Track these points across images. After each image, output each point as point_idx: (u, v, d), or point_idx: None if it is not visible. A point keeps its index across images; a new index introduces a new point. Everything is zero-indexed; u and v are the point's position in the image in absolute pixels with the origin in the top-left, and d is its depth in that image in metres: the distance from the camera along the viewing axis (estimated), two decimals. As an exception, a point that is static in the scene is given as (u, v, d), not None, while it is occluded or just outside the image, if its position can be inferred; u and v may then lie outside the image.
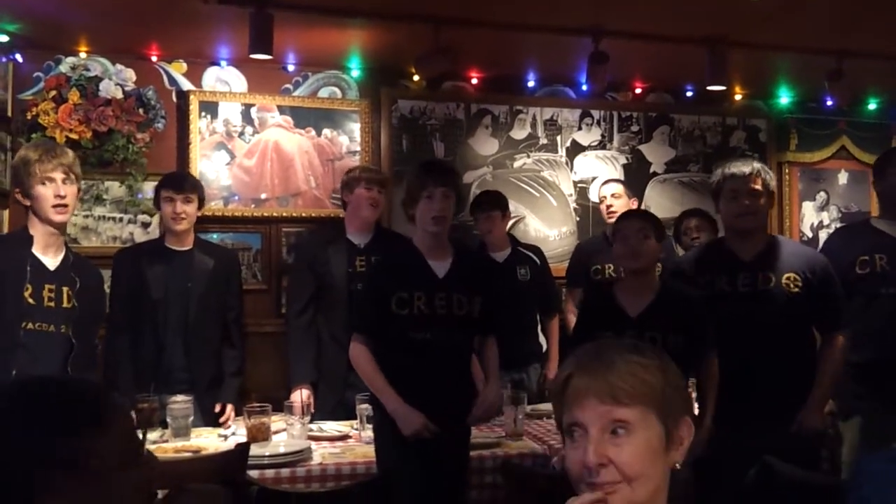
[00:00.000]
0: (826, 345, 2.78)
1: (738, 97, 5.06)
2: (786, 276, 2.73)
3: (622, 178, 4.83)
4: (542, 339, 4.09)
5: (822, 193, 5.33)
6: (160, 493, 1.74)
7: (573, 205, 4.88)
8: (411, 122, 4.59)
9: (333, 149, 4.44)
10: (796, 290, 2.72)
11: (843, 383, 2.96)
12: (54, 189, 2.64)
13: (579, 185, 4.89)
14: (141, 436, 1.13)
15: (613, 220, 3.97)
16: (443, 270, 2.63)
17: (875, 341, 2.81)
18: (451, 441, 2.60)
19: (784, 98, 5.17)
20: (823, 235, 5.07)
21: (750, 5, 3.46)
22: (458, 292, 2.61)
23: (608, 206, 4.07)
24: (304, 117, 4.39)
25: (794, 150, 5.23)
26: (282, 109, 4.36)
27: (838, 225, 5.13)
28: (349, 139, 4.47)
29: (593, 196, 4.86)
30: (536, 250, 4.06)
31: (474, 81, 4.66)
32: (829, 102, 4.88)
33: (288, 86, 4.41)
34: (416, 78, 4.43)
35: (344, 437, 2.98)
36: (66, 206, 2.67)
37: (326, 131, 4.43)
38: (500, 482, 2.61)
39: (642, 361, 1.18)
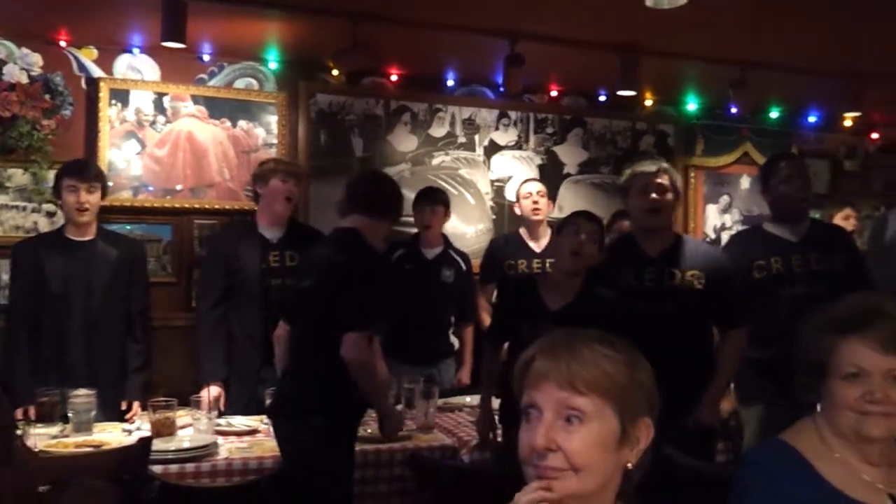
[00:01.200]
0: (724, 341, 2.89)
1: (648, 103, 5.23)
2: (689, 272, 2.83)
3: (538, 177, 4.94)
4: (453, 339, 4.13)
5: (726, 197, 5.57)
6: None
7: (490, 203, 4.96)
8: (330, 116, 4.58)
9: (249, 141, 4.39)
10: (699, 286, 2.82)
11: (748, 376, 3.11)
12: None
13: (496, 183, 4.97)
14: (20, 432, 1.10)
15: (539, 216, 4.08)
16: None
17: (777, 339, 2.86)
18: None
19: (691, 105, 5.38)
20: (725, 237, 5.30)
21: (660, 15, 3.58)
22: None
23: (534, 203, 4.11)
24: (219, 108, 4.32)
25: (699, 154, 5.45)
26: (196, 99, 4.28)
27: (740, 227, 5.37)
28: (266, 131, 4.42)
29: (509, 195, 4.95)
30: (465, 257, 4.10)
31: (394, 78, 4.68)
32: (734, 110, 5.10)
33: (203, 76, 4.34)
34: (335, 72, 4.41)
35: (252, 432, 2.95)
36: None
37: (242, 123, 4.37)
38: (409, 474, 2.64)
39: (609, 354, 1.16)
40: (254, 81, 4.44)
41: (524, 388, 1.18)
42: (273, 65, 4.44)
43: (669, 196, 2.87)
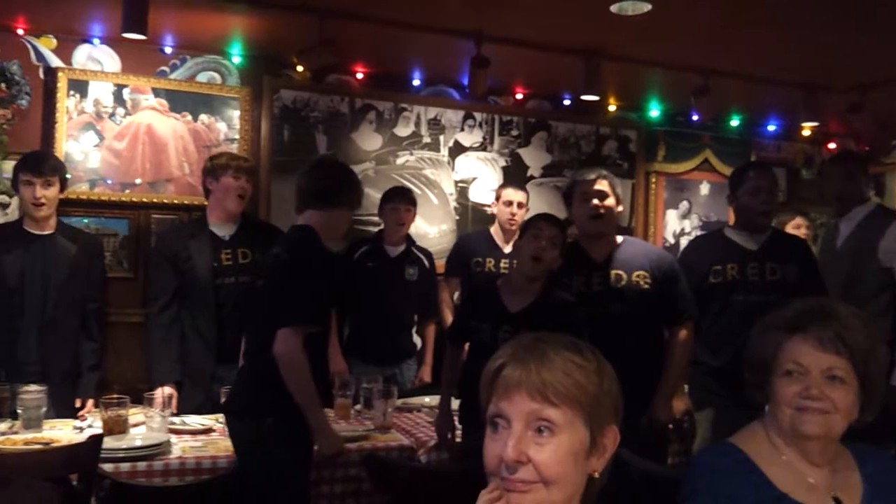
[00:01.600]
0: (672, 338, 2.96)
1: (611, 108, 5.27)
2: (636, 273, 2.91)
3: (501, 180, 4.96)
4: (416, 338, 4.12)
5: (685, 203, 5.65)
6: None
7: (453, 203, 4.96)
8: (294, 112, 4.54)
9: (210, 135, 4.33)
10: (646, 286, 2.89)
11: (701, 380, 3.16)
12: None
13: (460, 184, 4.98)
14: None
15: (513, 227, 4.04)
16: None
17: (730, 344, 2.97)
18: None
19: (654, 111, 5.44)
20: (684, 242, 5.37)
21: (624, 21, 3.63)
22: None
23: (512, 214, 4.08)
24: (181, 101, 4.26)
25: (661, 160, 5.52)
26: (157, 92, 4.22)
27: (698, 232, 5.45)
28: (227, 126, 4.37)
29: (473, 196, 4.96)
30: (428, 254, 4.08)
31: (359, 76, 4.66)
32: (695, 118, 5.17)
33: (164, 68, 4.27)
34: (300, 68, 4.37)
35: (207, 431, 2.92)
36: None
37: (203, 117, 4.32)
38: (366, 475, 2.63)
39: (579, 362, 1.14)
40: (217, 75, 4.39)
41: (492, 397, 1.15)
42: (237, 59, 4.39)
43: (610, 201, 2.94)
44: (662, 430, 2.96)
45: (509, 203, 4.10)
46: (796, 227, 4.36)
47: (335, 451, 2.52)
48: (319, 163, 3.07)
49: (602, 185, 2.93)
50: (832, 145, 5.95)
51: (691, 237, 5.31)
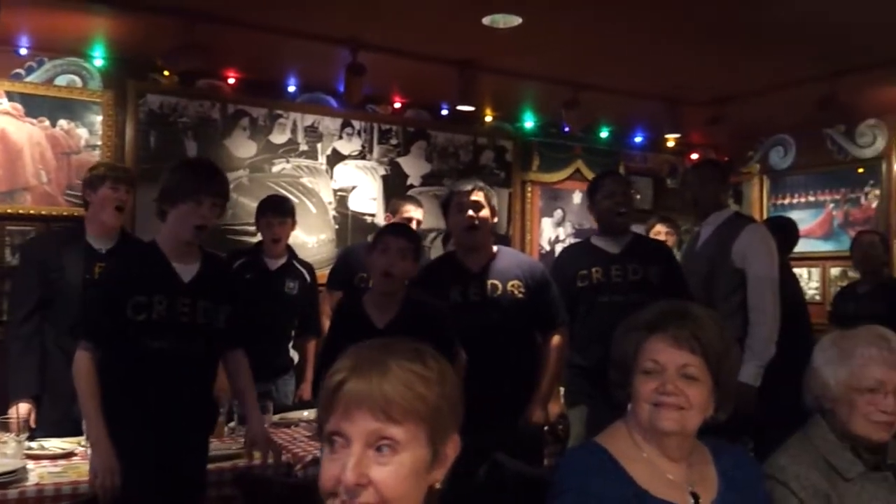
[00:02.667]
0: (546, 344, 3.04)
1: (488, 118, 5.38)
2: (510, 283, 2.98)
3: (382, 188, 4.95)
4: (293, 353, 4.03)
5: (559, 211, 5.83)
6: None
7: (332, 212, 4.91)
8: (161, 118, 4.37)
9: (70, 142, 4.11)
10: (520, 295, 2.97)
11: (572, 380, 3.26)
12: None
13: (339, 193, 4.94)
14: None
15: None
16: (189, 275, 2.50)
17: (597, 344, 3.02)
18: (188, 455, 2.50)
19: (528, 122, 5.59)
20: (560, 249, 5.53)
21: (496, 34, 3.71)
22: (203, 299, 2.50)
23: None
24: (38, 106, 4.03)
25: (535, 170, 5.68)
26: (10, 96, 3.97)
27: (572, 239, 5.63)
28: (89, 132, 4.16)
29: (353, 205, 4.93)
30: (309, 268, 3.97)
31: (231, 81, 4.54)
32: (567, 129, 5.34)
33: (19, 70, 4.02)
34: (167, 72, 4.22)
35: (68, 455, 2.75)
36: None
37: (63, 122, 4.09)
38: (240, 494, 2.55)
39: (422, 372, 1.09)
40: (77, 79, 4.17)
41: (331, 415, 1.08)
42: (99, 62, 4.19)
43: (485, 213, 2.99)
44: (538, 433, 3.03)
45: (409, 220, 3.93)
46: (657, 233, 4.58)
47: (102, 481, 2.28)
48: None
49: (478, 196, 2.98)
50: (695, 156, 6.29)
51: (565, 244, 5.48)
